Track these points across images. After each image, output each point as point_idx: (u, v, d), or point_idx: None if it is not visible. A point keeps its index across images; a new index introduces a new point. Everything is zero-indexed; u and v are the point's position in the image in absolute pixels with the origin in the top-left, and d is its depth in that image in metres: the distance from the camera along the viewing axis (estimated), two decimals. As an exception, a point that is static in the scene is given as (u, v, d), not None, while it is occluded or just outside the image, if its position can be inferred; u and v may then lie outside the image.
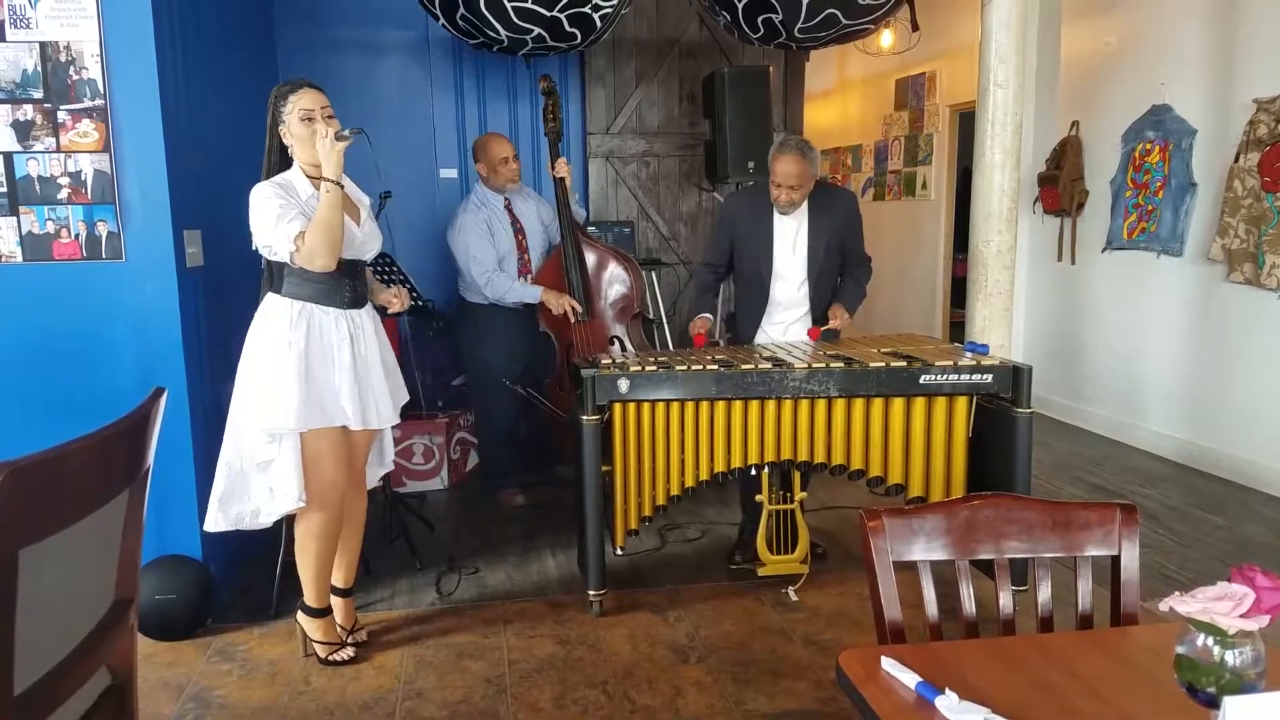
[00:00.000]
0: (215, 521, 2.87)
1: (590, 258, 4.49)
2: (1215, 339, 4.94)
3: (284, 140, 2.85)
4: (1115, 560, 1.69)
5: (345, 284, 2.90)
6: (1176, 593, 1.19)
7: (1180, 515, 4.35)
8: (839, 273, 3.80)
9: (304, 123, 2.80)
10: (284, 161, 2.89)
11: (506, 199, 4.43)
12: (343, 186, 2.78)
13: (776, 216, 3.67)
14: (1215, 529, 4.17)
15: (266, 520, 2.89)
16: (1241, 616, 1.13)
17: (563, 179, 4.41)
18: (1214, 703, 1.15)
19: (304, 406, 2.79)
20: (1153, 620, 1.61)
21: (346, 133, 2.77)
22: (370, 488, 3.24)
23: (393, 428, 3.21)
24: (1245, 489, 4.69)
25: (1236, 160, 4.64)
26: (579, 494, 3.35)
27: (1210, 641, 1.16)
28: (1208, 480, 4.86)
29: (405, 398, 3.18)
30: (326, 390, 2.85)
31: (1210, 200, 4.93)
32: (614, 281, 4.52)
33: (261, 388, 2.81)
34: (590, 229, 4.71)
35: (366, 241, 2.95)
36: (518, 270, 4.42)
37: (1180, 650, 1.19)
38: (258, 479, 2.86)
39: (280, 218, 2.74)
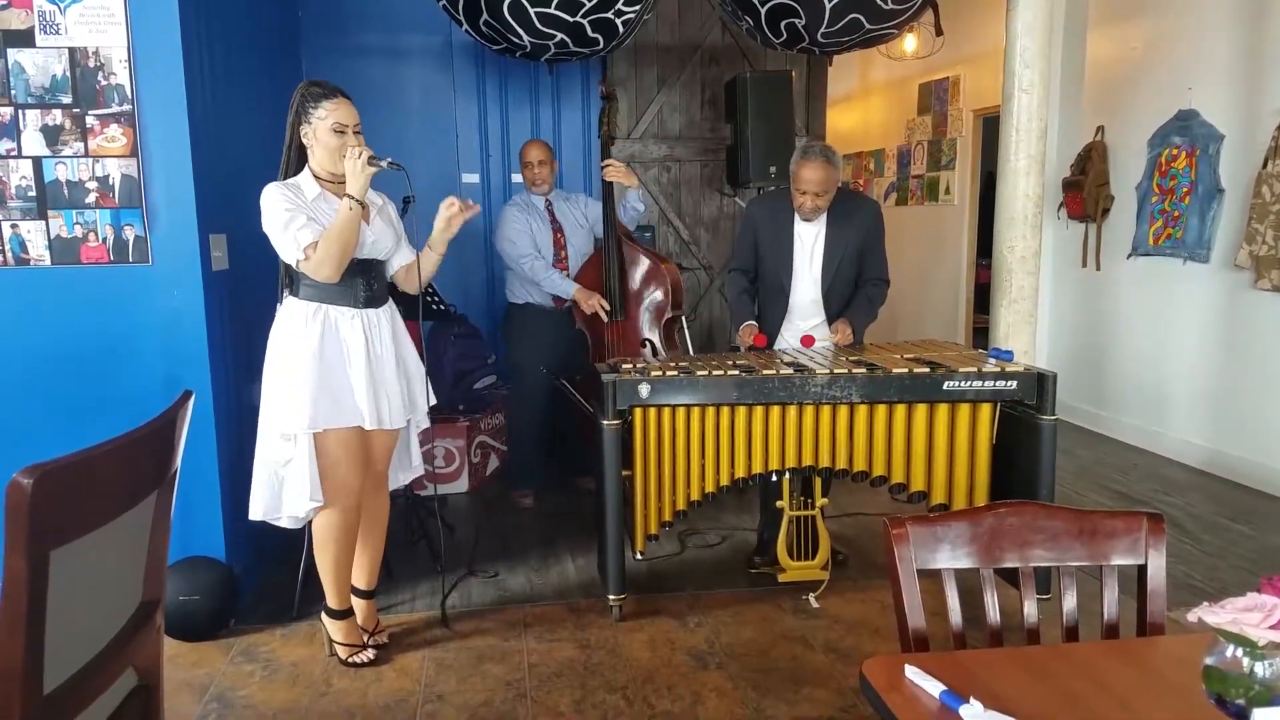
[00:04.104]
0: (258, 511, 2.92)
1: (631, 260, 4.52)
2: (1242, 346, 4.89)
3: (305, 141, 2.87)
4: (1141, 570, 1.67)
5: (359, 283, 2.91)
6: (1205, 603, 1.18)
7: (1206, 524, 4.31)
8: (857, 283, 3.76)
9: (335, 134, 2.81)
10: (302, 160, 2.91)
11: (548, 200, 4.56)
12: (365, 206, 2.80)
13: (797, 223, 3.66)
14: (1242, 538, 4.13)
15: (299, 514, 2.92)
16: (1271, 628, 1.12)
17: (612, 182, 4.43)
18: (1243, 714, 1.13)
19: (318, 407, 2.81)
20: (1179, 630, 1.59)
21: (383, 163, 2.79)
22: (394, 488, 3.26)
23: (417, 432, 3.23)
24: (1273, 498, 4.64)
25: (1265, 166, 4.60)
26: (599, 498, 3.35)
27: (1240, 652, 1.15)
28: (1234, 489, 4.81)
29: (431, 400, 3.20)
30: (342, 390, 2.87)
31: (1237, 206, 4.88)
32: (651, 284, 4.53)
33: (279, 389, 2.85)
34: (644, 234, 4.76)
35: (378, 241, 2.96)
36: (553, 268, 4.52)
37: (1209, 661, 1.18)
38: (286, 477, 2.90)
39: (289, 224, 2.75)
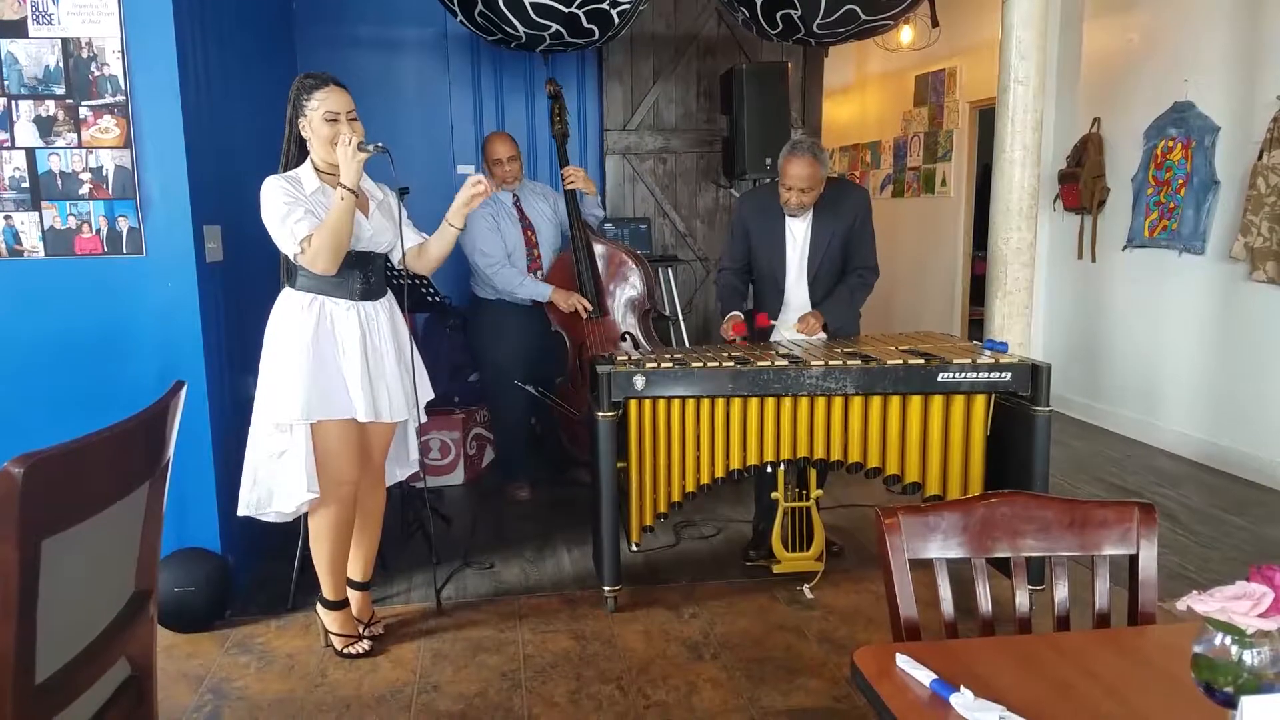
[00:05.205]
0: (245, 507, 2.91)
1: (600, 255, 4.50)
2: (1237, 338, 4.89)
3: (303, 134, 2.86)
4: (1133, 559, 1.68)
5: (356, 275, 2.91)
6: (1194, 591, 1.18)
7: (1201, 516, 4.32)
8: (845, 272, 3.73)
9: (328, 123, 2.81)
10: (302, 153, 2.90)
11: (515, 195, 4.46)
12: (358, 195, 2.79)
13: (788, 216, 3.66)
14: (1236, 530, 4.14)
15: (288, 510, 2.91)
16: (1260, 616, 1.12)
17: (573, 190, 4.42)
18: (1231, 702, 1.14)
19: (310, 398, 2.81)
20: (1171, 620, 1.60)
21: (370, 147, 2.79)
22: (390, 484, 3.25)
23: (414, 426, 3.23)
24: (1268, 490, 4.64)
25: (1260, 158, 4.60)
26: (594, 490, 3.35)
27: (1228, 641, 1.15)
28: (1229, 481, 4.82)
29: (430, 394, 3.19)
30: (335, 382, 2.86)
31: (1233, 198, 4.88)
32: (624, 278, 4.52)
33: (272, 380, 2.84)
34: (606, 225, 4.71)
35: (377, 234, 2.95)
36: (527, 267, 4.45)
37: (1198, 650, 1.18)
38: (278, 469, 2.89)
39: (287, 216, 2.75)
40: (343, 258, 2.81)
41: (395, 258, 3.09)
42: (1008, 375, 3.24)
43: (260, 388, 2.88)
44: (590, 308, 4.37)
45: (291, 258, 2.82)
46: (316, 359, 2.83)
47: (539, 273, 4.46)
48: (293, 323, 2.84)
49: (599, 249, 4.52)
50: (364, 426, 2.96)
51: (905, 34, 7.52)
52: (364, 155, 2.78)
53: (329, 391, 2.85)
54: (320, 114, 2.81)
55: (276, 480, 2.89)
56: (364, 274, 2.93)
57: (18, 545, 1.28)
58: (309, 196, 2.82)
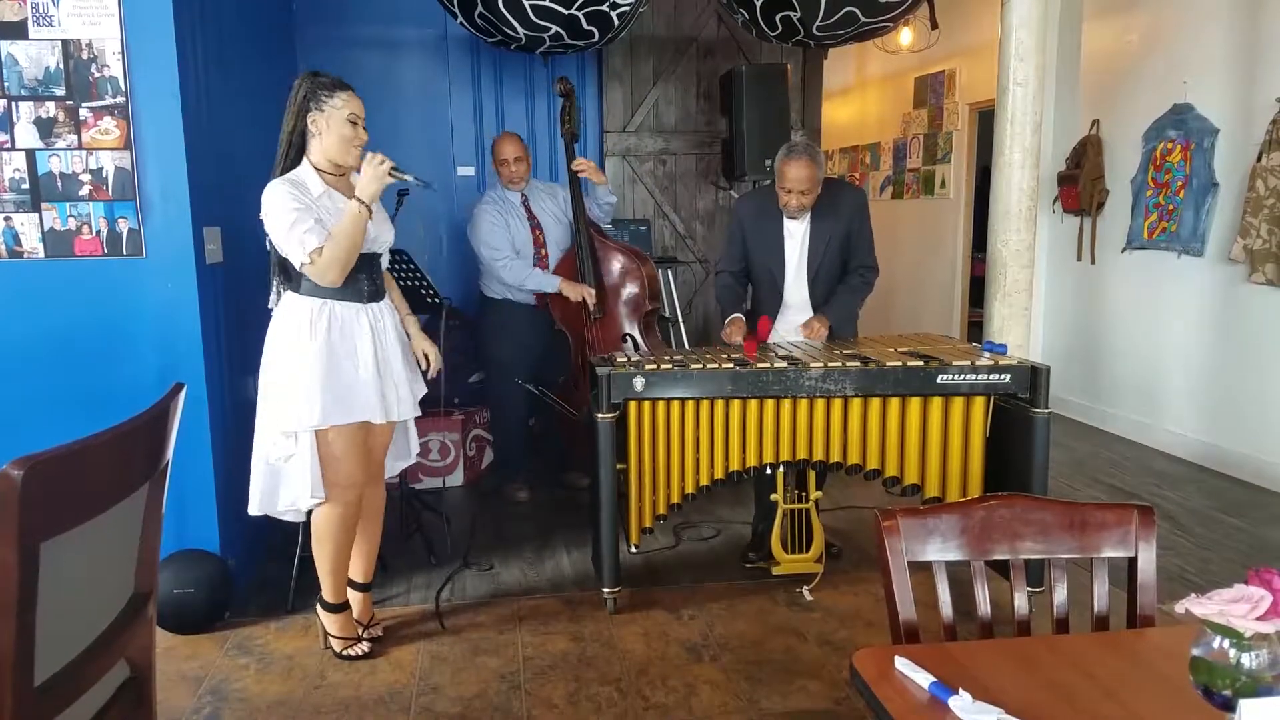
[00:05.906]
0: (256, 506, 2.91)
1: (604, 255, 4.51)
2: (1236, 340, 4.89)
3: (312, 128, 2.82)
4: (1132, 562, 1.68)
5: (363, 279, 2.90)
6: (1193, 594, 1.18)
7: (1200, 518, 4.32)
8: (845, 272, 3.75)
9: (350, 124, 2.81)
10: (300, 150, 2.87)
11: (523, 195, 4.47)
12: (371, 211, 2.80)
13: (786, 217, 3.66)
14: (1235, 532, 4.14)
15: (304, 508, 2.92)
16: (1258, 619, 1.12)
17: (581, 176, 4.42)
18: (1230, 705, 1.14)
19: (326, 403, 2.79)
20: (1169, 623, 1.60)
21: (409, 176, 2.79)
22: (390, 476, 3.25)
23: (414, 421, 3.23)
24: (1267, 492, 4.65)
25: (1259, 160, 4.60)
26: (594, 491, 3.35)
27: (1226, 644, 1.15)
28: (1228, 483, 4.82)
29: (424, 390, 3.19)
30: (352, 386, 2.85)
31: (1232, 200, 4.88)
32: (627, 279, 4.52)
33: (284, 387, 2.82)
34: (606, 227, 4.72)
35: (379, 236, 2.96)
36: (533, 265, 4.45)
37: (1196, 652, 1.19)
38: (286, 471, 2.89)
39: (295, 224, 2.73)
40: (350, 269, 2.81)
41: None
42: (1007, 377, 3.24)
43: (268, 395, 2.86)
44: (594, 298, 4.37)
45: (298, 267, 2.80)
46: (331, 365, 2.82)
47: (545, 271, 4.48)
48: (304, 329, 2.82)
49: (602, 249, 4.52)
50: (369, 428, 2.96)
51: (905, 36, 7.53)
52: (391, 180, 2.78)
53: (344, 397, 2.84)
54: (345, 114, 2.81)
55: (286, 481, 2.89)
56: (369, 276, 2.93)
57: (17, 547, 1.28)
58: (315, 200, 2.81)
